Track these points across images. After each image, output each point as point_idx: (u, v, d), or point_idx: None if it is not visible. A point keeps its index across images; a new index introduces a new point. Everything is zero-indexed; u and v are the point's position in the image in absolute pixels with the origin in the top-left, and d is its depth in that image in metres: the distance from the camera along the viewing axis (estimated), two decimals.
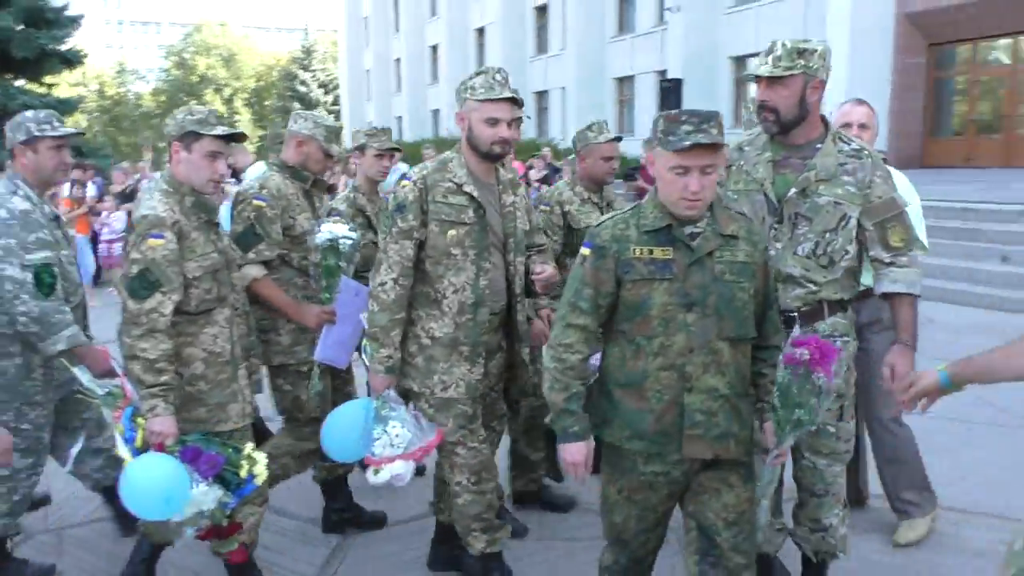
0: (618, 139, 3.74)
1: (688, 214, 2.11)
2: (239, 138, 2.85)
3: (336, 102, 51.06)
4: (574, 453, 2.24)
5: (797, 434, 2.23)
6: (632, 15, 26.22)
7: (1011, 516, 3.49)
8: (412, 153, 22.88)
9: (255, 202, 3.19)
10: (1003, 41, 16.62)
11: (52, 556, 3.42)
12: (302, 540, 3.56)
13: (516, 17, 30.89)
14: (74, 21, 16.89)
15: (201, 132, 2.70)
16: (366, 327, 2.87)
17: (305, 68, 51.10)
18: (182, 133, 2.72)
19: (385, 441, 2.67)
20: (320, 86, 51.16)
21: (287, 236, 3.26)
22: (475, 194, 2.78)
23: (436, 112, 37.43)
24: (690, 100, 19.11)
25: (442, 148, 17.60)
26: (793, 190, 2.53)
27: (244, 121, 54.66)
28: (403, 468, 2.69)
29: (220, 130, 2.73)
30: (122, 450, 2.58)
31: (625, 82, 26.48)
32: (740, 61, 22.18)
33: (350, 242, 3.19)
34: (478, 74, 2.79)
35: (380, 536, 3.58)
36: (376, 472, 2.71)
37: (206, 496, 2.54)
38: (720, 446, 2.15)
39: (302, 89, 50.25)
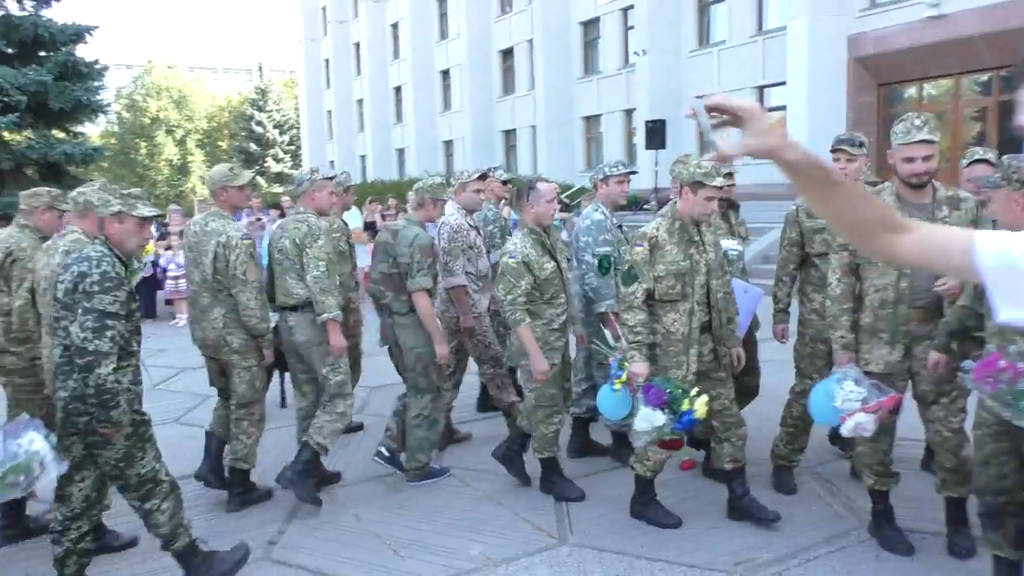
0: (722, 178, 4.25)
1: None
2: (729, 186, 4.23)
3: (292, 142, 51.62)
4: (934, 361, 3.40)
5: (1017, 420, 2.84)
6: (596, 58, 27.84)
7: None
8: (376, 192, 23.73)
9: None
10: (944, 81, 18.54)
11: None
12: None
13: (482, 60, 32.25)
14: (102, 73, 17.60)
15: (705, 182, 3.82)
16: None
17: (260, 109, 51.56)
18: (692, 181, 3.85)
19: (842, 397, 3.44)
20: (276, 126, 51.67)
21: None
22: None
23: (401, 151, 38.42)
24: (649, 137, 20.46)
25: (405, 188, 18.39)
26: None
27: (198, 162, 54.66)
28: (864, 419, 3.38)
29: (719, 182, 3.84)
30: (612, 381, 3.92)
31: (592, 120, 28.01)
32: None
33: (736, 253, 4.38)
34: (900, 121, 3.49)
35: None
36: (845, 425, 3.47)
37: (652, 417, 3.64)
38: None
39: (258, 129, 50.71)
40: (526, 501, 4.51)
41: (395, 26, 38.45)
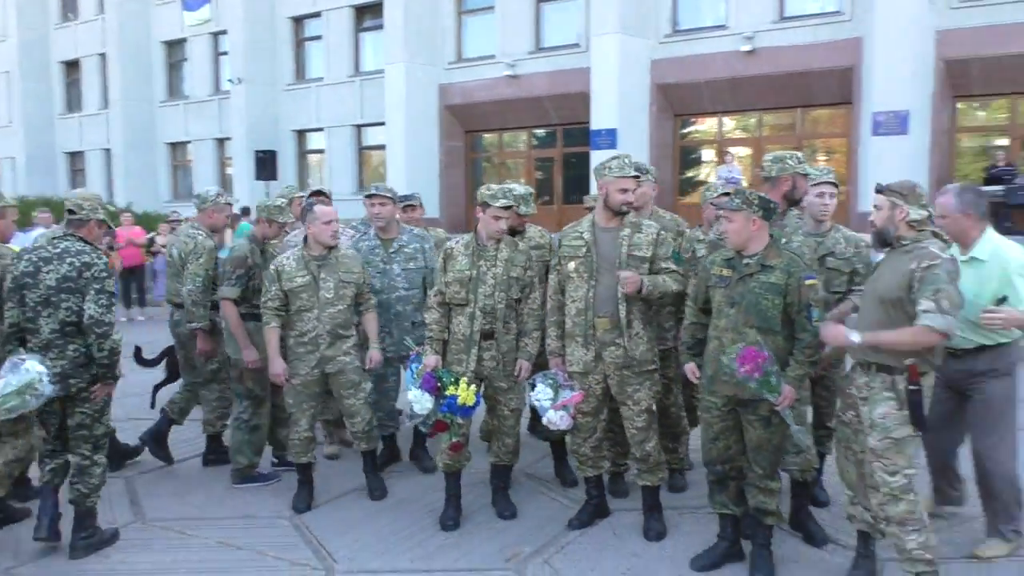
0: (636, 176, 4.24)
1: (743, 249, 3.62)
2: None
3: None
4: (689, 368, 3.85)
5: (767, 394, 3.44)
6: (180, 82, 26.24)
7: None
8: None
9: None
10: (519, 133, 21.18)
11: None
12: None
13: (38, 70, 28.23)
14: None
15: (490, 203, 4.19)
16: None
17: None
18: (481, 201, 4.23)
19: (535, 397, 4.07)
20: None
21: None
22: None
23: None
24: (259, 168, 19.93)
25: None
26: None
27: None
28: (553, 415, 4.00)
29: (502, 203, 4.19)
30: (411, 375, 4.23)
31: (179, 147, 26.23)
32: (302, 134, 23.93)
33: None
34: (613, 159, 4.01)
35: None
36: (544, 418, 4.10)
37: (421, 399, 4.05)
38: (739, 390, 3.51)
39: None
40: (266, 539, 4.13)
41: None
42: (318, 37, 23.08)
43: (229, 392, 5.25)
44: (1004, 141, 15.36)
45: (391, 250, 5.19)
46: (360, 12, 22.31)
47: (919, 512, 3.29)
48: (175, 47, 26.06)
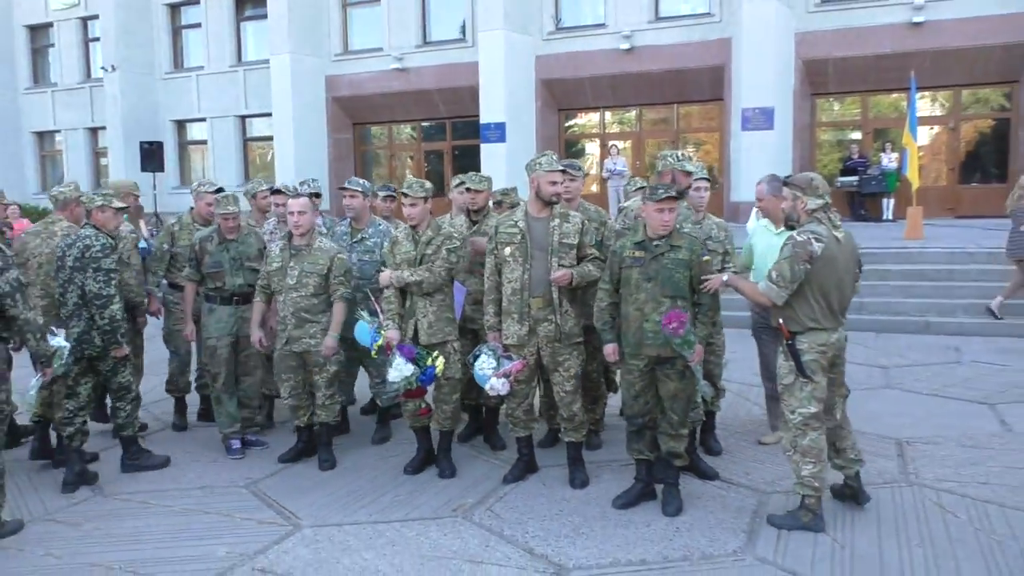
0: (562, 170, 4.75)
1: (659, 234, 4.20)
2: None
3: None
4: (609, 351, 4.35)
5: (685, 350, 4.07)
6: (47, 68, 24.96)
7: None
8: None
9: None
10: (407, 126, 21.44)
11: None
12: None
13: None
14: None
15: (404, 193, 4.81)
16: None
17: None
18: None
19: (478, 366, 4.54)
20: None
21: None
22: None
23: None
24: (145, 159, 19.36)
25: None
26: None
27: None
28: (496, 382, 4.47)
29: (414, 191, 4.78)
30: (369, 343, 4.76)
31: (47, 136, 24.95)
32: (182, 125, 23.27)
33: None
34: (542, 156, 4.59)
35: None
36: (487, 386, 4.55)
37: (404, 368, 4.53)
38: (662, 350, 4.16)
39: None
40: (227, 504, 4.46)
41: None
42: (197, 25, 22.52)
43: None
44: (857, 135, 17.02)
45: (355, 240, 5.61)
46: (241, 1, 21.93)
47: (819, 448, 4.00)
48: (39, 32, 24.74)
